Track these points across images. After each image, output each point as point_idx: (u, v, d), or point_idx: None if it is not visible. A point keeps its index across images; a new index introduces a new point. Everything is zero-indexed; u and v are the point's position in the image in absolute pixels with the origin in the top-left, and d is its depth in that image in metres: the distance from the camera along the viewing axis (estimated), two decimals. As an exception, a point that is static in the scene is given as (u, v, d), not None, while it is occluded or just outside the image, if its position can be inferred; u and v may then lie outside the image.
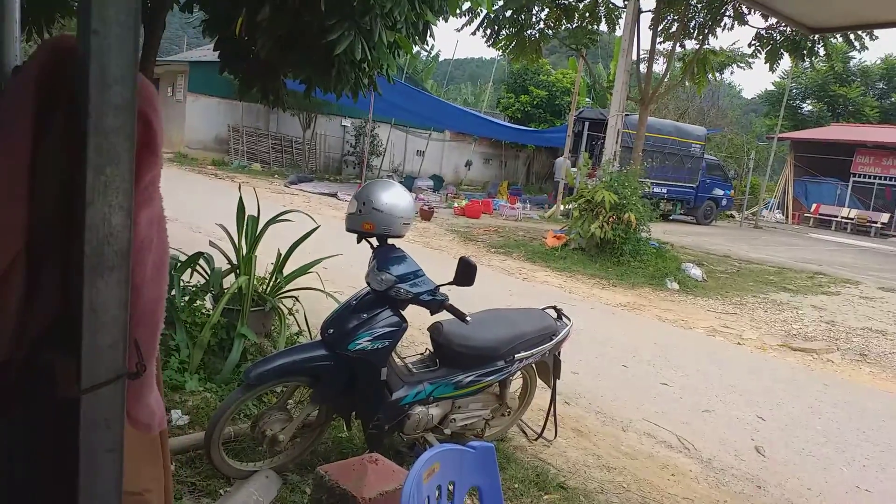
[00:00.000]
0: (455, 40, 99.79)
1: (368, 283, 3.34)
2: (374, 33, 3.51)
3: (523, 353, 3.75)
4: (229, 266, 4.75)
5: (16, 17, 1.47)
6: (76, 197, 0.70)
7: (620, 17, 15.03)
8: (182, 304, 4.35)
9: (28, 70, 0.77)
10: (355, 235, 3.44)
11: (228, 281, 4.63)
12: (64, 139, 0.71)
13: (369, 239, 3.44)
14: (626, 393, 5.48)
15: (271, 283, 4.80)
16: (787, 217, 30.04)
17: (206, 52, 21.56)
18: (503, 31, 15.47)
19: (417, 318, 3.57)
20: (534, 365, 4.04)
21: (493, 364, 3.66)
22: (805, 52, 14.32)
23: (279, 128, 25.56)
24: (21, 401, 0.81)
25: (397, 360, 3.55)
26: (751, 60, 15.92)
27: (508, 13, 15.09)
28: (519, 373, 3.98)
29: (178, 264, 4.46)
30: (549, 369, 4.13)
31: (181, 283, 4.44)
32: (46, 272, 0.75)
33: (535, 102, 29.98)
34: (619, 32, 15.91)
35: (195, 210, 10.76)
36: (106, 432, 0.75)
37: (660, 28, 15.16)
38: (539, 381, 4.22)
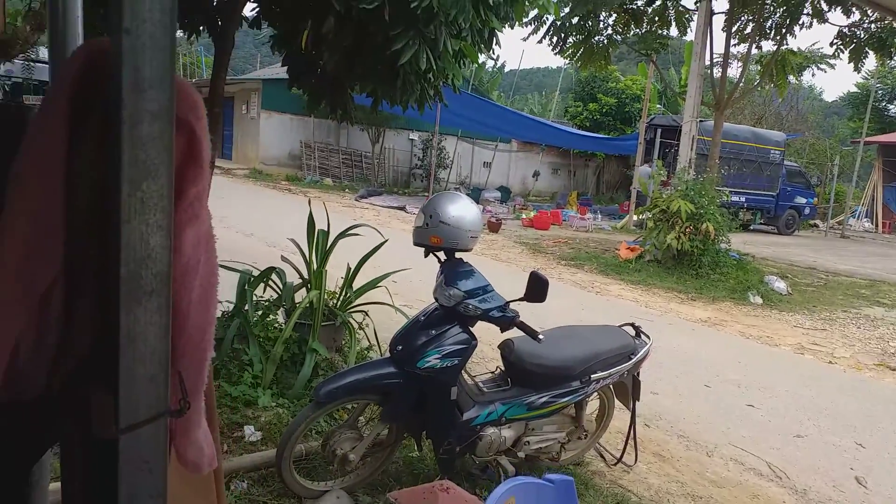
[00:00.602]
0: (521, 50, 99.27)
1: (436, 299, 3.25)
2: (438, 42, 3.43)
3: (600, 374, 3.56)
4: (301, 280, 4.76)
5: (78, 32, 1.45)
6: (112, 215, 0.62)
7: (692, 20, 14.54)
8: (255, 318, 4.38)
9: (61, 79, 0.71)
10: (423, 249, 3.36)
11: (300, 295, 4.64)
12: (99, 152, 0.64)
13: (437, 253, 3.35)
14: (710, 415, 5.17)
15: (341, 297, 4.78)
16: (876, 226, 28.28)
17: (279, 70, 22.15)
18: (570, 39, 15.23)
19: (487, 333, 3.44)
20: (611, 385, 3.85)
21: (567, 384, 3.49)
22: (893, 49, 13.45)
23: (349, 143, 26.01)
24: (56, 441, 0.75)
25: (468, 378, 3.44)
26: (832, 61, 15.10)
27: (575, 20, 14.84)
28: (595, 394, 3.80)
29: (251, 279, 4.49)
30: (628, 390, 3.92)
31: (254, 298, 4.48)
32: (83, 299, 0.68)
33: (604, 110, 29.43)
34: (690, 36, 15.39)
35: (270, 225, 11.00)
36: (147, 476, 0.67)
37: (734, 29, 14.58)
38: (617, 403, 4.02)
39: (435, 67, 3.72)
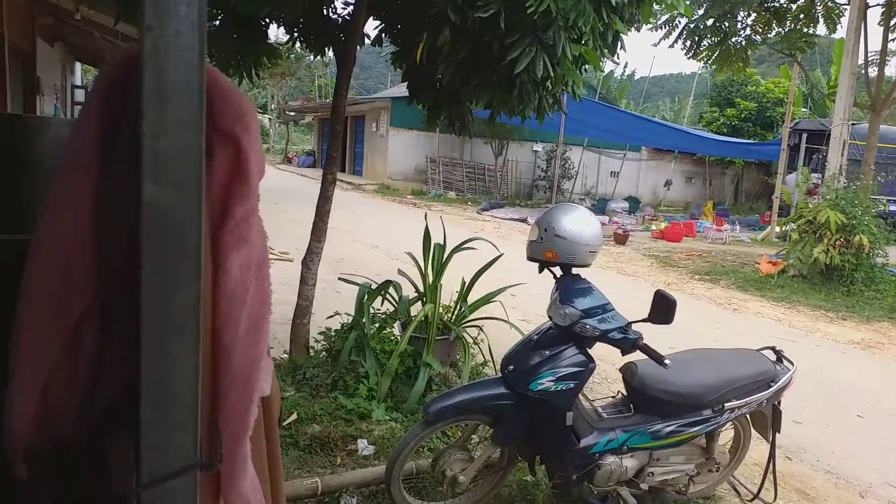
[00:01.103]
0: (651, 56, 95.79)
1: (550, 317, 3.08)
2: (557, 48, 3.29)
3: (735, 402, 3.23)
4: (416, 294, 4.75)
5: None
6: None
7: (842, 16, 13.32)
8: (372, 331, 4.41)
9: (92, 91, 0.67)
10: (537, 265, 3.20)
11: (417, 308, 4.63)
12: (131, 171, 0.57)
13: (552, 268, 3.18)
14: (864, 449, 4.59)
15: (456, 311, 4.72)
16: None
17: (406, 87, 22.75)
18: (705, 41, 14.46)
19: (611, 351, 3.23)
20: (748, 415, 3.48)
21: (697, 413, 3.19)
22: None
23: (472, 156, 26.22)
24: (80, 491, 0.70)
25: (585, 402, 3.23)
26: None
27: (710, 21, 14.07)
28: (730, 423, 3.45)
29: (369, 292, 4.54)
30: (767, 420, 3.54)
31: (371, 311, 4.51)
32: (115, 336, 0.61)
33: (742, 115, 27.73)
34: (840, 33, 14.13)
35: (393, 238, 11.23)
36: (174, 539, 0.59)
37: (893, 23, 13.19)
38: (754, 433, 3.64)
39: (553, 75, 3.58)
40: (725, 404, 3.21)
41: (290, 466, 3.38)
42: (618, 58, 4.49)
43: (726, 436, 3.65)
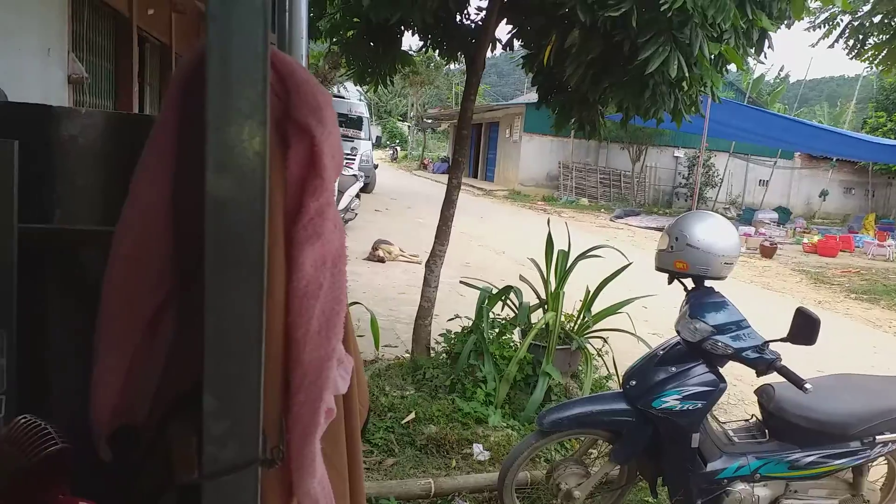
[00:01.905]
0: (809, 58, 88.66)
1: (678, 332, 2.90)
2: (693, 47, 3.10)
3: (889, 436, 2.89)
4: (538, 301, 4.67)
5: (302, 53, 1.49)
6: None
7: None
8: (492, 336, 4.38)
9: (172, 84, 0.68)
10: (666, 276, 3.02)
11: (538, 316, 4.55)
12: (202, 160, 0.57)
13: (682, 280, 2.99)
14: None
15: (579, 320, 4.58)
16: None
17: (541, 93, 22.59)
18: (870, 40, 13.13)
19: (746, 371, 2.98)
20: (905, 450, 3.10)
21: (843, 444, 2.88)
22: None
23: (608, 162, 25.56)
24: (148, 479, 0.71)
25: (714, 424, 3.01)
26: None
27: (877, 18, 12.76)
28: (882, 458, 3.08)
29: (489, 297, 4.51)
30: (930, 458, 3.13)
31: (491, 316, 4.49)
32: (192, 326, 0.62)
33: (915, 120, 24.97)
34: None
35: (520, 243, 11.16)
36: (233, 532, 0.59)
37: None
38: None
39: (689, 75, 3.38)
40: (877, 437, 2.88)
41: (405, 465, 3.43)
42: (765, 57, 4.18)
43: (878, 471, 3.26)
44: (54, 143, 1.43)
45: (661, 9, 2.93)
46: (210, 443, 0.57)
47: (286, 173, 0.65)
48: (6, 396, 1.09)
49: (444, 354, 4.63)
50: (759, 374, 2.81)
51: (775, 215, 21.39)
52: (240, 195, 0.55)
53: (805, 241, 16.29)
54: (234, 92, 0.54)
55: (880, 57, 13.16)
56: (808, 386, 2.67)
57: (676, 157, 25.47)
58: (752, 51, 3.67)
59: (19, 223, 1.21)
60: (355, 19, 4.52)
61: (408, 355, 4.81)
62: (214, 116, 0.53)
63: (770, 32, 3.67)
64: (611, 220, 19.08)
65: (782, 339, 2.74)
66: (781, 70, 54.74)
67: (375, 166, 19.91)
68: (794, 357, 2.79)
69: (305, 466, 0.66)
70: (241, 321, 0.57)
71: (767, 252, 14.04)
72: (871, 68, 14.55)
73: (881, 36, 12.95)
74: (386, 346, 5.17)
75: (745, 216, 20.80)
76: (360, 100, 21.39)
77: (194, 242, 0.60)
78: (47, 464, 0.81)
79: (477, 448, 3.67)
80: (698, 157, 19.61)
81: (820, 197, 25.85)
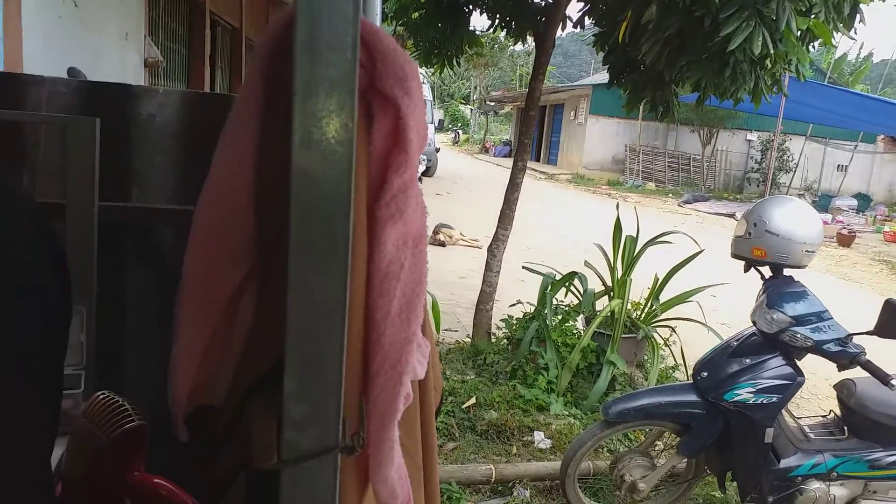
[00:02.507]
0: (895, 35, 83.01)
1: (754, 322, 2.78)
2: (780, 21, 2.93)
3: (979, 436, 2.70)
4: (603, 288, 4.57)
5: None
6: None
7: None
8: (554, 323, 4.32)
9: (256, 53, 0.65)
10: (742, 263, 2.90)
11: (602, 303, 4.46)
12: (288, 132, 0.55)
13: (760, 268, 2.86)
14: None
15: (646, 309, 4.46)
16: None
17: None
18: (970, 14, 12.26)
19: (822, 365, 2.84)
20: None
21: (930, 445, 2.72)
22: None
23: (677, 145, 24.79)
24: (225, 463, 0.70)
25: (789, 419, 2.89)
26: None
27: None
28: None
29: (552, 283, 4.44)
30: None
31: (554, 302, 4.41)
32: (273, 307, 0.60)
33: None
34: None
35: (583, 228, 10.98)
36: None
37: None
38: None
39: (774, 52, 3.20)
40: (965, 438, 2.70)
41: (465, 449, 3.42)
42: (855, 32, 3.91)
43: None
44: (132, 122, 1.45)
45: (746, -18, 2.78)
46: (290, 427, 0.55)
47: (370, 147, 0.63)
48: (85, 372, 1.11)
49: (505, 340, 4.59)
50: (840, 369, 2.68)
51: (854, 202, 20.35)
52: (326, 170, 0.52)
53: (886, 229, 15.46)
54: (322, 58, 0.50)
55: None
56: (894, 381, 2.53)
57: (749, 141, 24.48)
58: (843, 26, 3.44)
59: (99, 201, 1.23)
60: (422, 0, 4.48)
61: (468, 340, 4.79)
62: (302, 84, 0.51)
63: (863, 5, 3.43)
64: (679, 206, 18.54)
65: (868, 333, 2.59)
66: (861, 48, 51.81)
67: (437, 150, 19.89)
68: (876, 351, 2.64)
69: (384, 453, 0.64)
70: (324, 302, 0.54)
71: (845, 241, 13.40)
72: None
73: (980, 11, 12.08)
74: (446, 329, 5.16)
75: (822, 203, 19.86)
76: (424, 83, 21.39)
77: (277, 219, 0.58)
78: (124, 440, 0.82)
79: (538, 435, 3.63)
80: (772, 140, 18.80)
81: (905, 183, 24.43)
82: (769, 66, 3.38)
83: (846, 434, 2.87)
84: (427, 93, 20.87)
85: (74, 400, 1.12)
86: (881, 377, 2.55)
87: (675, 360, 4.45)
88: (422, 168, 12.21)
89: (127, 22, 5.52)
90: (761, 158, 23.83)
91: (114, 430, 0.83)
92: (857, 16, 3.62)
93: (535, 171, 24.77)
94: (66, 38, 4.31)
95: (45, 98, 1.37)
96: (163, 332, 0.80)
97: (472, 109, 47.74)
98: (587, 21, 4.55)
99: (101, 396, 0.88)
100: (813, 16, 3.23)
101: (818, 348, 2.63)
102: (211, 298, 0.70)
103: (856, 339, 2.63)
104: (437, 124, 22.38)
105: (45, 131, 1.35)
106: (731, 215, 16.64)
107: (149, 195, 1.50)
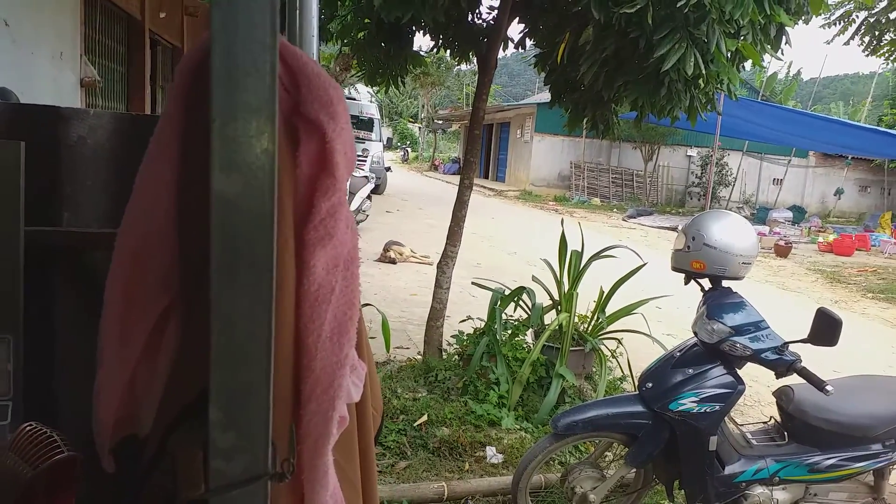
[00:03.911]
0: (823, 55, 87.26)
1: (696, 333, 2.85)
2: (710, 43, 3.05)
3: (912, 438, 2.82)
4: (551, 302, 4.62)
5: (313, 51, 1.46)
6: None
7: None
8: (504, 337, 4.34)
9: (176, 78, 0.65)
10: (683, 276, 2.97)
11: (551, 317, 4.51)
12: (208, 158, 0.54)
13: (699, 280, 2.94)
14: None
15: (592, 321, 4.53)
16: None
17: (552, 93, 22.44)
18: (887, 36, 12.95)
19: (764, 372, 2.93)
20: (929, 453, 3.03)
21: (864, 447, 2.83)
22: None
23: (620, 162, 25.42)
24: (152, 493, 0.68)
25: (732, 427, 2.96)
26: None
27: (893, 14, 12.59)
28: (907, 461, 3.02)
29: (501, 298, 4.47)
30: (954, 462, 3.06)
31: (503, 317, 4.45)
32: (197, 333, 0.59)
33: (932, 117, 24.63)
34: None
35: (531, 244, 11.11)
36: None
37: None
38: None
39: (706, 72, 3.33)
40: (901, 440, 2.81)
41: (418, 468, 3.39)
42: (782, 53, 4.11)
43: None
44: (62, 145, 1.41)
45: (678, 5, 2.89)
46: (216, 456, 0.54)
47: (296, 171, 0.62)
48: (12, 403, 1.06)
49: (456, 356, 4.60)
50: (778, 376, 2.76)
51: (790, 214, 21.18)
52: (247, 195, 0.52)
53: (820, 240, 16.12)
54: (240, 84, 0.50)
55: (896, 53, 12.99)
56: (829, 388, 2.62)
57: (689, 156, 25.29)
58: (770, 47, 3.61)
59: (27, 226, 1.19)
60: (366, 20, 4.50)
61: (419, 357, 4.78)
62: (219, 111, 0.50)
63: (787, 28, 3.60)
64: (623, 220, 18.97)
65: (802, 341, 2.68)
66: (790, 67, 54.19)
67: (388, 169, 19.90)
68: (809, 357, 2.73)
69: (318, 479, 0.63)
70: (249, 328, 0.53)
71: (782, 251, 13.90)
72: (888, 65, 14.38)
73: (898, 32, 12.78)
74: (397, 347, 5.14)
75: (760, 215, 20.61)
76: (371, 101, 21.40)
77: (200, 245, 0.57)
78: (53, 472, 0.79)
79: (490, 451, 3.63)
80: (711, 155, 19.45)
81: (835, 195, 25.58)
82: (702, 85, 3.51)
83: (787, 439, 2.95)
84: (374, 111, 20.88)
85: (0, 432, 1.08)
86: (816, 383, 2.64)
87: (623, 371, 4.52)
88: (371, 186, 12.17)
89: (61, 40, 5.37)
90: (701, 173, 24.63)
91: (41, 462, 0.79)
92: (783, 38, 3.80)
93: (484, 188, 25.00)
94: (-4, 57, 4.17)
95: (-32, 121, 1.32)
96: (94, 360, 0.78)
97: (420, 127, 47.96)
98: (528, 42, 4.65)
99: (28, 428, 0.85)
100: (741, 38, 3.37)
101: (756, 357, 2.71)
102: (134, 326, 0.68)
103: (792, 347, 2.72)
104: (385, 142, 22.37)
105: (-34, 155, 1.29)
106: (674, 229, 17.09)
107: (80, 219, 1.45)
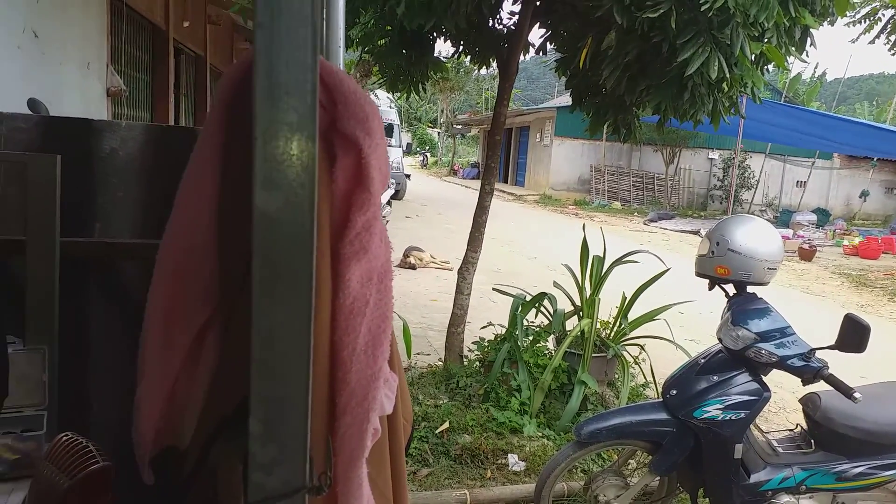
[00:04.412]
0: (848, 55, 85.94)
1: (720, 340, 2.82)
2: (734, 46, 3.03)
3: (943, 446, 2.77)
4: (573, 307, 4.60)
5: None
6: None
7: None
8: (525, 344, 4.33)
9: (216, 96, 0.66)
10: (707, 281, 2.95)
11: (573, 323, 4.49)
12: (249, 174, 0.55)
13: (723, 286, 2.91)
14: None
15: (615, 327, 4.50)
16: None
17: (571, 97, 22.38)
18: (914, 35, 12.77)
19: (789, 379, 2.90)
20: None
21: (892, 455, 2.78)
22: None
23: (641, 165, 25.27)
24: None
25: (758, 434, 2.93)
26: None
27: (922, 12, 12.41)
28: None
29: (522, 304, 4.46)
30: None
31: (525, 323, 4.44)
32: (236, 347, 0.60)
33: (961, 117, 24.19)
34: None
35: (551, 248, 11.08)
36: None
37: None
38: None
39: (729, 76, 3.30)
40: (930, 448, 2.76)
41: (440, 475, 3.39)
42: (807, 55, 4.06)
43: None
44: (95, 157, 1.44)
45: (702, 8, 2.87)
46: (256, 469, 0.55)
47: (333, 187, 0.63)
48: (48, 412, 1.08)
49: (477, 363, 4.59)
50: (804, 383, 2.72)
51: (814, 217, 20.88)
52: (288, 211, 0.53)
53: (845, 243, 15.88)
54: (282, 104, 0.51)
55: (924, 53, 12.78)
56: (857, 395, 2.57)
57: (711, 159, 25.06)
58: (794, 49, 3.57)
59: (61, 236, 1.21)
60: (388, 27, 4.52)
61: (440, 363, 4.78)
62: (262, 129, 0.51)
63: (813, 30, 3.57)
64: (644, 224, 18.83)
65: (829, 347, 2.64)
66: (816, 68, 53.54)
67: (408, 176, 19.97)
68: (836, 363, 2.70)
69: (352, 491, 0.64)
70: (289, 341, 0.54)
71: (806, 255, 13.72)
72: (914, 65, 14.14)
73: (925, 31, 12.59)
74: (418, 353, 5.15)
75: (783, 218, 20.36)
76: (391, 107, 21.49)
77: (241, 259, 0.58)
78: (88, 483, 0.80)
79: (512, 458, 3.62)
80: (733, 158, 19.26)
81: (860, 198, 25.17)
82: (726, 89, 3.48)
83: (813, 447, 2.91)
84: (394, 117, 20.97)
85: (37, 441, 1.10)
86: (844, 391, 2.60)
87: (646, 378, 4.49)
88: (391, 192, 12.23)
89: (88, 51, 5.46)
90: (723, 176, 24.41)
91: (77, 472, 0.81)
92: (808, 39, 3.76)
93: (504, 192, 24.98)
94: (27, 69, 4.26)
95: (5, 135, 1.35)
96: (128, 370, 0.79)
97: (439, 133, 48.08)
98: (549, 46, 4.64)
99: (65, 438, 0.86)
100: (766, 41, 3.34)
101: (782, 364, 2.67)
102: (176, 338, 0.69)
103: (818, 354, 2.69)
104: (405, 148, 22.47)
105: (3, 169, 1.33)
106: (696, 232, 16.96)
107: (112, 230, 1.48)
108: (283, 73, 0.51)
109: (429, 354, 5.27)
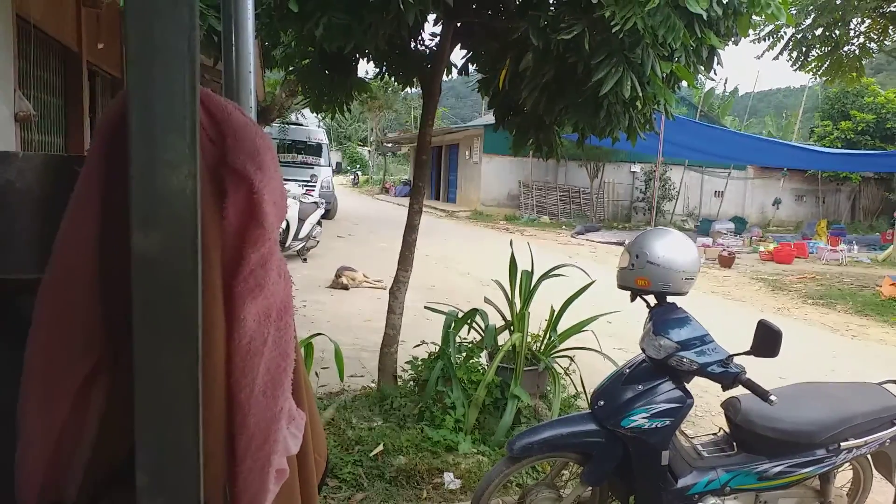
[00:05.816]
0: (756, 70, 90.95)
1: (643, 349, 2.90)
2: (645, 66, 3.15)
3: (852, 442, 2.92)
4: (504, 323, 4.65)
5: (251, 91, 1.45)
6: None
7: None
8: (458, 361, 4.34)
9: (95, 134, 0.64)
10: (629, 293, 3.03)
11: (504, 338, 4.53)
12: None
13: (645, 297, 3.00)
14: None
15: (545, 340, 4.57)
16: None
17: (499, 114, 22.74)
18: (813, 52, 13.60)
19: (713, 384, 3.00)
20: (869, 456, 3.14)
21: (810, 453, 2.91)
22: None
23: (567, 180, 25.91)
24: None
25: (683, 440, 3.02)
26: None
27: (819, 30, 13.24)
28: (847, 464, 3.12)
29: (455, 321, 4.47)
30: (892, 461, 3.18)
31: (457, 340, 4.44)
32: (124, 394, 0.57)
33: (859, 129, 25.90)
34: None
35: (483, 264, 11.17)
36: None
37: None
38: (876, 474, 3.28)
39: (642, 94, 3.43)
40: (842, 444, 2.91)
41: (375, 499, 3.34)
42: (715, 73, 4.26)
43: (844, 477, 3.31)
44: (-12, 189, 1.35)
45: (613, 30, 2.97)
46: (146, 518, 0.52)
47: (224, 223, 0.61)
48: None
49: (411, 382, 4.57)
50: (724, 389, 2.82)
51: (732, 225, 21.88)
52: (169, 252, 0.51)
53: (762, 249, 16.68)
54: (159, 141, 0.50)
55: (823, 68, 13.64)
56: (773, 398, 2.69)
57: (633, 172, 25.94)
58: (702, 68, 3.74)
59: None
60: (310, 48, 4.49)
61: (374, 385, 4.73)
62: (138, 168, 0.49)
63: (718, 49, 3.75)
64: (572, 237, 19.27)
65: (746, 353, 2.75)
66: (726, 83, 56.34)
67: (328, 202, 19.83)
68: (756, 365, 2.81)
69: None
70: (175, 387, 0.52)
71: (726, 262, 14.32)
72: (816, 79, 15.08)
73: (823, 48, 13.43)
74: (351, 376, 5.07)
75: (703, 227, 21.23)
76: (319, 126, 21.31)
77: (125, 303, 0.55)
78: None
79: (448, 477, 3.60)
80: (654, 171, 20.01)
81: (773, 205, 26.58)
82: (640, 106, 3.61)
83: (736, 449, 3.01)
84: (322, 136, 20.79)
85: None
86: (761, 394, 2.71)
87: (577, 389, 4.56)
88: (321, 211, 12.09)
89: (-7, 75, 5.19)
90: (645, 188, 25.29)
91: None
92: (715, 58, 3.95)
93: (437, 209, 25.11)
94: (-79, 93, 4.00)
95: None
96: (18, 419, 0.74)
97: (369, 151, 47.97)
98: (471, 67, 4.71)
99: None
100: (675, 60, 3.49)
101: (703, 371, 2.76)
102: (59, 387, 0.66)
103: (736, 359, 2.80)
104: (334, 167, 22.28)
105: None
106: (621, 243, 17.42)
107: (10, 264, 1.40)
108: (160, 108, 0.49)
109: (362, 376, 5.20)
